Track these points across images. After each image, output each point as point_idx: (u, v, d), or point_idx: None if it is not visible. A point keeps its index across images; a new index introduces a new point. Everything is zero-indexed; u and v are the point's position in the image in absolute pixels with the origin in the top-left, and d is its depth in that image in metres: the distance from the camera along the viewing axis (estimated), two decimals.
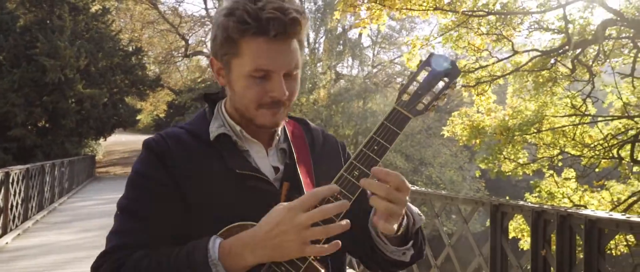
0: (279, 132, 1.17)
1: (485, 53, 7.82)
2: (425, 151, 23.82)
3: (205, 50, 35.59)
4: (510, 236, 5.02)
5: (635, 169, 7.82)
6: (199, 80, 30.48)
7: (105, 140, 27.29)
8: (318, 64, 26.30)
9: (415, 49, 7.24)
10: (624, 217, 3.53)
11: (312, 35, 27.57)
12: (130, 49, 26.55)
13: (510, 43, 7.48)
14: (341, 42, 27.12)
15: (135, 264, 0.99)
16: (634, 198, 7.30)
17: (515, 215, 5.02)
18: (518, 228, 6.70)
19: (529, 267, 3.91)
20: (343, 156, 1.24)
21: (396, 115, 0.98)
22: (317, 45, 27.54)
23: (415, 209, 1.11)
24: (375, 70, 29.61)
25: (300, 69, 1.09)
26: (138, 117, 27.78)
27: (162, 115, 31.63)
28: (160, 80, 29.48)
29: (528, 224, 4.28)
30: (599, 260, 3.24)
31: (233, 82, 1.07)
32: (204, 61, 35.91)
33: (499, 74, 7.76)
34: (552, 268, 3.71)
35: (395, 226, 0.98)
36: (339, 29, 26.87)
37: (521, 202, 5.48)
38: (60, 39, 21.26)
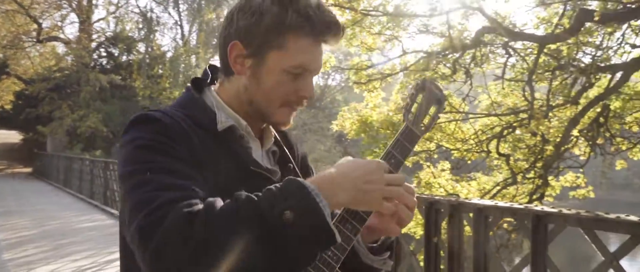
0: (272, 135, 1.13)
1: (376, 52, 8.25)
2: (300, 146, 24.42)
3: (61, 35, 32.23)
4: None
5: (496, 161, 8.82)
6: (54, 68, 27.42)
7: None
8: (193, 57, 25.36)
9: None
10: (506, 205, 3.94)
11: (186, 27, 26.52)
12: None
13: (400, 43, 8.00)
14: (216, 34, 26.49)
15: (215, 205, 0.82)
16: (498, 187, 8.23)
17: None
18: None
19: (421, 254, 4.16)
20: (299, 150, 1.24)
21: (409, 133, 1.02)
22: (191, 37, 26.53)
23: None
24: None
25: None
26: None
27: (7, 107, 27.84)
28: (7, 67, 26.09)
29: (421, 213, 4.55)
30: (485, 244, 3.57)
31: (262, 75, 1.00)
32: (60, 48, 32.42)
33: (388, 72, 8.23)
34: (441, 252, 3.96)
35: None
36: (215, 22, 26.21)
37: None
38: None
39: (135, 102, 23.88)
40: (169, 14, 27.99)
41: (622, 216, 3.00)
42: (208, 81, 1.09)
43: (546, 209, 3.41)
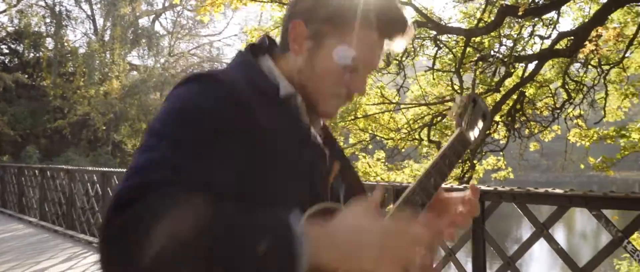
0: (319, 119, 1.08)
1: None
2: None
3: None
4: None
5: (425, 149, 9.34)
6: None
7: None
8: (107, 53, 24.04)
9: (252, 40, 7.31)
10: (448, 186, 4.27)
11: (100, 21, 25.04)
12: None
13: None
14: (132, 29, 25.30)
15: (197, 210, 0.68)
16: None
17: None
18: None
19: None
20: None
21: (463, 139, 1.07)
22: (105, 32, 25.11)
23: None
24: (172, 60, 28.42)
25: None
26: None
27: None
28: None
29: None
30: None
31: (318, 60, 0.95)
32: None
33: None
34: None
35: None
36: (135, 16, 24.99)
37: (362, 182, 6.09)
38: None
39: (45, 102, 22.31)
40: (80, 7, 26.24)
41: (550, 190, 3.39)
42: (264, 50, 1.01)
43: (483, 187, 3.70)
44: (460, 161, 1.12)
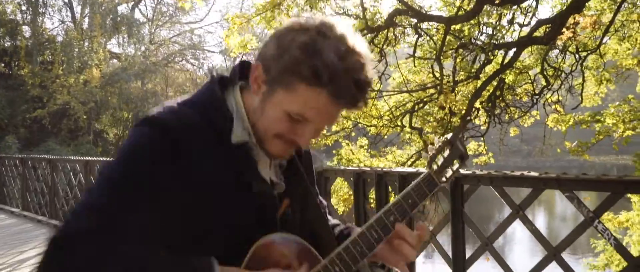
0: None
1: None
2: None
3: None
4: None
5: (409, 136, 9.48)
6: None
7: None
8: (86, 41, 23.64)
9: (234, 27, 7.30)
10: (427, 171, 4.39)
11: (77, 8, 24.57)
12: None
13: None
14: (112, 17, 24.87)
15: (121, 254, 0.86)
16: (412, 160, 8.88)
17: (337, 178, 5.63)
18: (339, 190, 7.47)
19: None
20: (314, 162, 1.29)
21: (430, 181, 1.11)
22: (84, 19, 24.66)
23: None
24: (152, 48, 28.05)
25: None
26: None
27: None
28: None
29: (350, 184, 4.86)
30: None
31: (267, 105, 1.00)
32: None
33: None
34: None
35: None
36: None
37: (342, 167, 6.18)
38: None
39: (24, 92, 21.89)
40: None
41: (525, 172, 3.52)
42: (234, 79, 1.07)
43: (462, 171, 3.82)
44: (425, 202, 1.16)
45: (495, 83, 8.65)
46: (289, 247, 1.03)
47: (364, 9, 7.54)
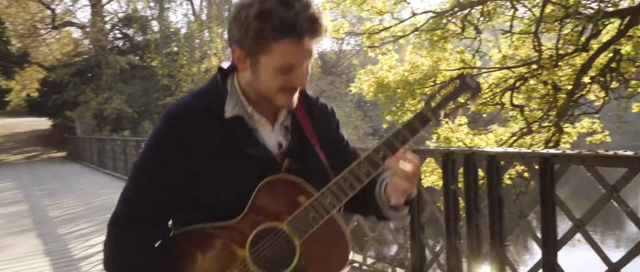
0: (284, 110, 1.29)
1: (387, 15, 8.47)
2: None
3: (74, 20, 32.63)
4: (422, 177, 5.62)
5: (511, 112, 9.06)
6: (73, 54, 27.90)
7: None
8: (206, 32, 25.54)
9: (325, 11, 7.52)
10: (516, 150, 4.25)
11: (197, 1, 26.58)
12: None
13: (409, 5, 8.19)
14: (227, 7, 26.55)
15: (132, 246, 1.23)
16: (514, 138, 8.50)
17: (427, 159, 5.67)
18: (425, 169, 7.50)
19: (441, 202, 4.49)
20: (333, 119, 1.41)
21: (421, 117, 1.16)
22: (203, 12, 26.64)
23: None
24: None
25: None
26: (7, 98, 24.96)
27: (34, 94, 28.59)
28: (28, 56, 26.62)
29: (439, 165, 4.87)
30: (498, 187, 3.88)
31: (259, 72, 1.19)
32: (75, 33, 32.86)
33: (400, 34, 8.47)
34: (460, 198, 4.28)
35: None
36: None
37: (431, 147, 6.18)
38: None
39: (156, 81, 24.25)
40: None
41: (620, 151, 3.32)
42: (233, 68, 1.27)
43: (551, 151, 3.67)
44: (422, 131, 1.19)
45: (609, 55, 7.91)
46: (287, 186, 1.21)
47: None
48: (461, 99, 1.17)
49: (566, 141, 8.56)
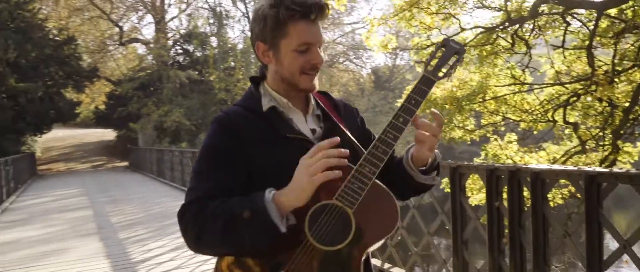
0: (313, 102, 1.46)
1: (435, 31, 8.50)
2: (372, 129, 24.66)
3: (140, 36, 34.47)
4: (467, 194, 5.58)
5: (567, 130, 8.79)
6: (137, 68, 29.48)
7: (41, 136, 26.07)
8: None
9: (373, 28, 7.74)
10: (561, 168, 4.19)
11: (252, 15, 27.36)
12: (61, 39, 25.12)
13: (458, 21, 8.18)
14: None
15: (212, 208, 1.27)
16: (567, 156, 8.24)
17: (471, 175, 5.63)
18: (468, 187, 7.41)
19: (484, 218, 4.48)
20: (358, 116, 1.57)
21: (426, 80, 1.32)
22: None
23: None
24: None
25: None
26: (77, 110, 26.70)
27: (101, 107, 30.42)
28: (98, 71, 28.33)
29: (483, 181, 4.85)
30: (543, 205, 3.83)
31: (281, 58, 1.36)
32: (140, 49, 34.73)
33: None
34: (504, 217, 4.25)
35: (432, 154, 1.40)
36: None
37: (476, 163, 6.14)
38: None
39: (213, 96, 25.12)
40: (237, 7, 29.05)
41: None
42: (262, 76, 1.45)
43: (598, 169, 3.61)
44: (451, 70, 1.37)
45: None
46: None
47: (506, 0, 7.28)
48: (450, 62, 1.34)
49: (626, 161, 8.19)
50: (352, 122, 1.52)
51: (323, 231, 1.27)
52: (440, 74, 1.33)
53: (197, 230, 1.26)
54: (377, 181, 1.29)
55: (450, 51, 1.32)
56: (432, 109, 1.35)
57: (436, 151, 1.43)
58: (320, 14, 1.33)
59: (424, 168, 1.43)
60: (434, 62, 1.33)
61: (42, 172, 24.03)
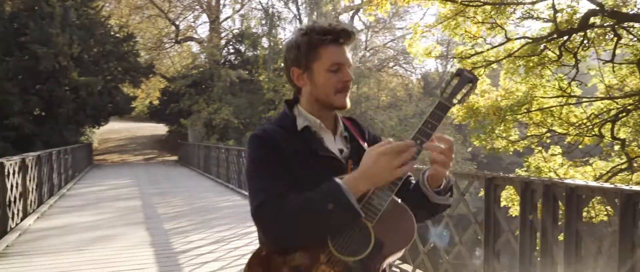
0: (341, 124, 1.59)
1: (480, 40, 8.41)
2: None
3: (195, 35, 35.59)
4: (502, 204, 5.54)
5: (615, 146, 8.47)
6: (191, 66, 30.47)
7: (99, 128, 27.43)
8: None
9: (416, 36, 7.78)
10: (597, 184, 4.09)
11: (305, 20, 27.70)
12: (121, 36, 26.20)
13: (504, 31, 8.06)
14: None
15: (292, 200, 1.35)
16: (612, 173, 7.95)
17: (506, 186, 5.57)
18: (508, 198, 7.32)
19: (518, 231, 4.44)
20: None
21: (441, 106, 1.41)
22: None
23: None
24: (368, 54, 29.88)
25: None
26: (133, 105, 27.89)
27: (155, 102, 31.65)
28: (154, 67, 29.47)
29: (518, 194, 4.80)
30: (577, 221, 3.77)
31: (315, 79, 1.49)
32: (194, 47, 35.85)
33: (493, 59, 8.36)
34: (537, 231, 4.21)
35: (447, 173, 1.48)
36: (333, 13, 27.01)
37: (511, 175, 6.08)
38: (51, 26, 21.14)
39: (261, 96, 25.50)
40: (289, 8, 29.47)
41: None
42: (296, 100, 1.59)
43: (635, 188, 3.55)
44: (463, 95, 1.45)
45: None
46: None
47: (555, 11, 7.13)
48: (464, 90, 1.43)
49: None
50: (367, 138, 1.65)
51: (345, 243, 1.37)
52: (455, 101, 1.42)
53: (284, 225, 1.34)
54: (395, 198, 1.40)
55: (465, 80, 1.42)
56: (442, 135, 1.43)
57: (450, 175, 1.52)
58: (347, 39, 1.49)
59: (438, 189, 1.51)
60: (449, 89, 1.42)
61: (98, 162, 25.30)
